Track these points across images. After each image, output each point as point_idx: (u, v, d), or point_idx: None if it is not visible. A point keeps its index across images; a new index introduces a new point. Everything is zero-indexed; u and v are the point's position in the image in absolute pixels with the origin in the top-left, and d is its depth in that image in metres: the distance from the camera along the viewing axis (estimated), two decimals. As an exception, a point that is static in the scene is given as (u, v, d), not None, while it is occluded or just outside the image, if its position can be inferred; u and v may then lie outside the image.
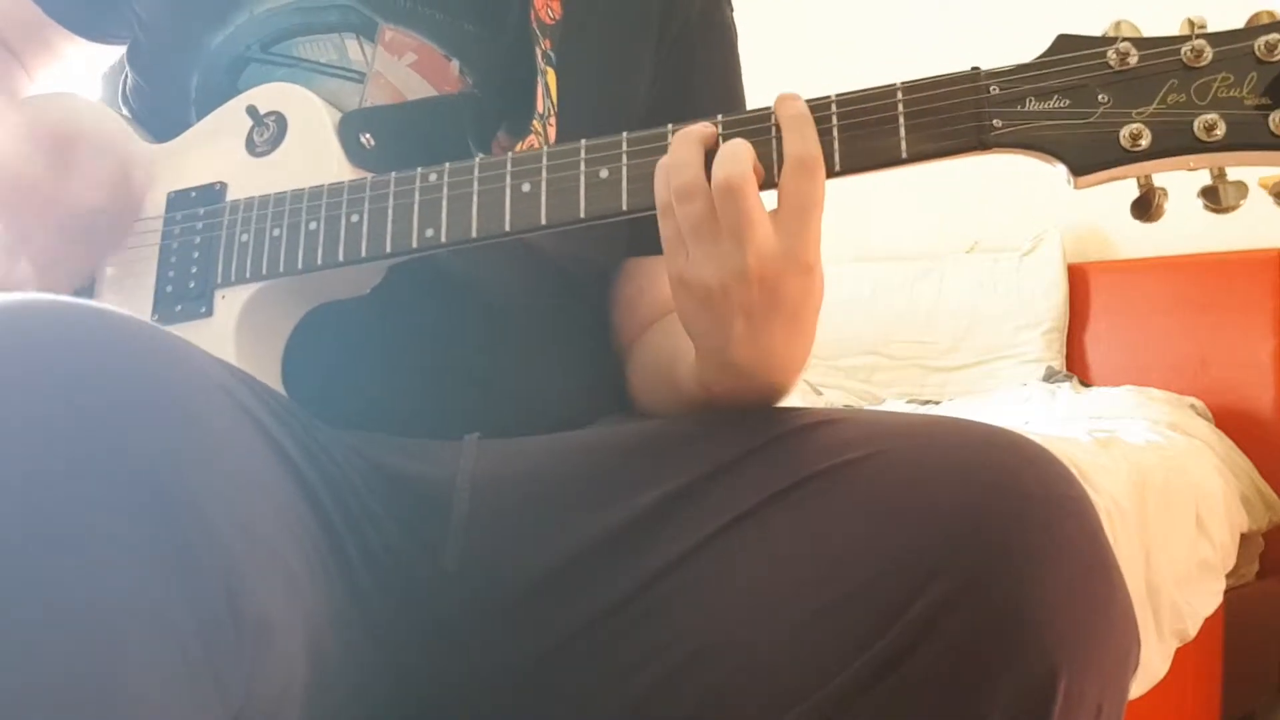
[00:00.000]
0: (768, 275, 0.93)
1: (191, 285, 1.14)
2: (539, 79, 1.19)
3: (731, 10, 1.37)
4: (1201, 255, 3.38)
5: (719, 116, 0.99)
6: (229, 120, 1.20)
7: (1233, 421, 3.16)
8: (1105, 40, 0.90)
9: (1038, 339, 3.47)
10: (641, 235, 1.24)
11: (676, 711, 0.92)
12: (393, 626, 1.01)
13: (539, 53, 1.20)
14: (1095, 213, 3.56)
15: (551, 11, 1.23)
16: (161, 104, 1.29)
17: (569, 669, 0.98)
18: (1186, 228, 3.26)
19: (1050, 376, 3.32)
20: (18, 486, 0.68)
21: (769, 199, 0.95)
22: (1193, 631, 2.50)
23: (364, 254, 1.08)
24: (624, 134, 1.01)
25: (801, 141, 0.94)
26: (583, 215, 1.01)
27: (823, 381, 3.62)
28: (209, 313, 1.13)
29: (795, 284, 0.94)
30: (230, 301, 1.13)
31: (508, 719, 1.01)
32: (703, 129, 0.97)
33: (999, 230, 3.70)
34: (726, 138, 0.96)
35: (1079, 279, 3.55)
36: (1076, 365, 3.48)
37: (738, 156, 0.93)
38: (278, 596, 0.79)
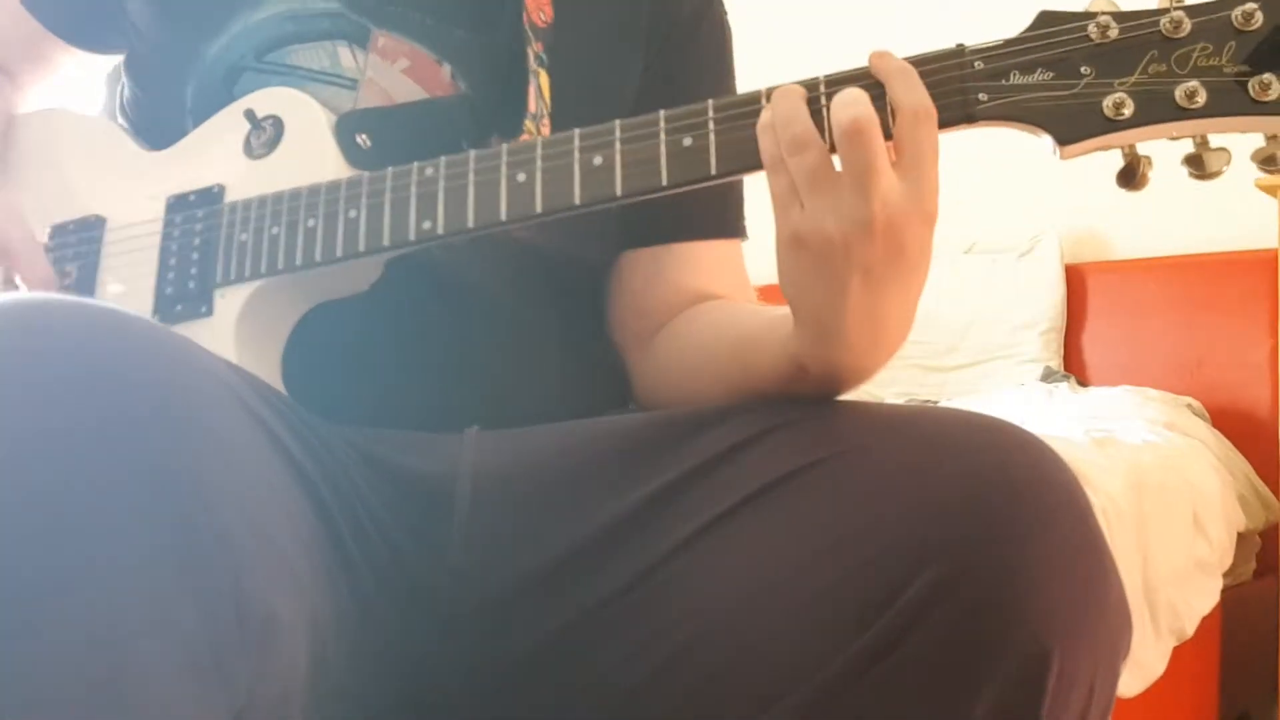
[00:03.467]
0: (893, 224, 0.90)
1: (191, 285, 1.15)
2: (531, 80, 1.20)
3: (723, 10, 1.37)
4: (1198, 256, 3.37)
5: (820, 77, 0.97)
6: (226, 125, 1.20)
7: (1230, 421, 3.15)
8: (1086, 15, 0.91)
9: (1035, 339, 3.46)
10: (637, 227, 1.25)
11: (674, 698, 0.93)
12: (394, 622, 1.01)
13: (531, 55, 1.21)
14: (1092, 213, 3.56)
15: (543, 14, 1.23)
16: (158, 113, 1.29)
17: (569, 660, 0.99)
18: (1183, 229, 3.27)
19: (1048, 377, 3.31)
20: (26, 485, 0.69)
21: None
22: (1190, 630, 2.51)
23: (362, 249, 1.08)
24: (616, 121, 1.02)
25: (911, 91, 0.92)
26: (578, 202, 1.02)
27: (822, 381, 3.59)
28: (209, 312, 1.14)
29: (918, 234, 0.92)
30: (230, 301, 1.13)
31: (509, 711, 1.02)
32: (799, 86, 0.96)
33: (996, 231, 3.68)
34: (829, 94, 0.94)
35: (1076, 279, 3.54)
36: (1074, 365, 3.47)
37: (859, 99, 0.91)
38: (283, 595, 0.80)
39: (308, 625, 0.85)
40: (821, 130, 0.93)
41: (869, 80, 0.95)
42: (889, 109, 0.93)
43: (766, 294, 1.22)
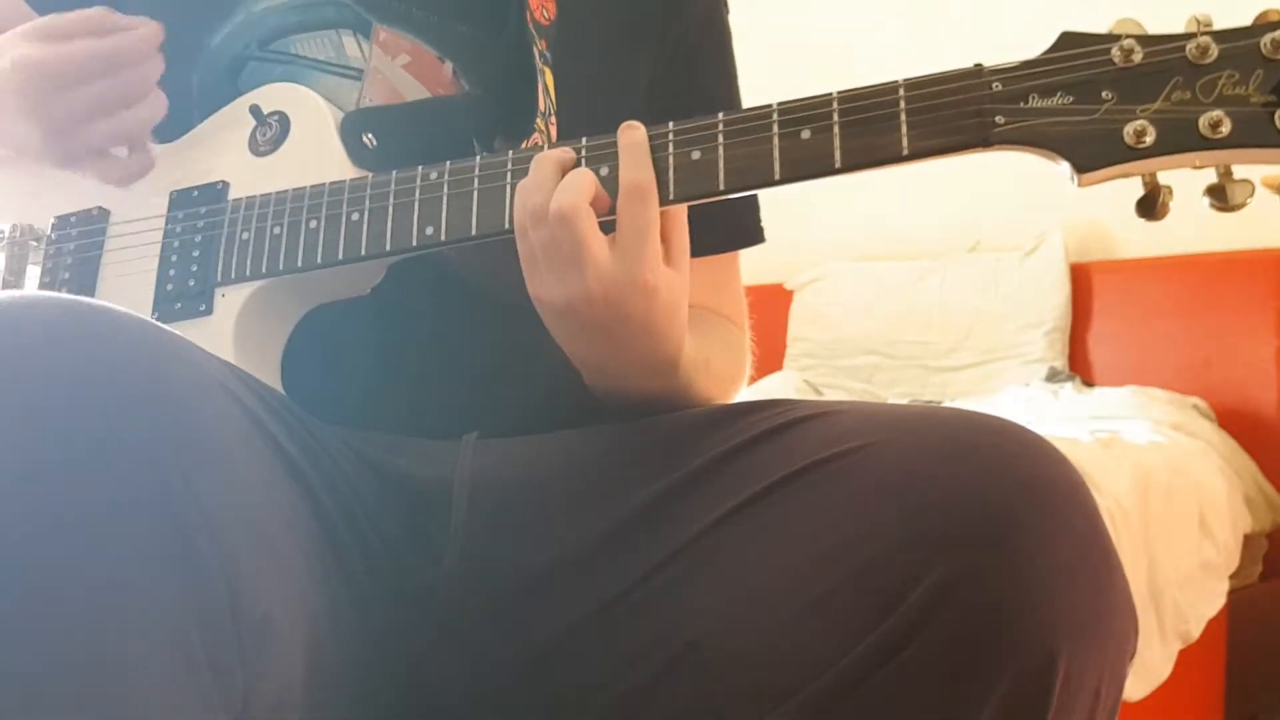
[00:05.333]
0: (609, 295, 0.97)
1: (191, 283, 1.14)
2: (539, 78, 1.19)
3: (728, 13, 1.37)
4: (1205, 255, 3.37)
5: (583, 140, 1.02)
6: (232, 120, 1.20)
7: (1236, 422, 3.15)
8: (1109, 37, 0.89)
9: (1040, 339, 3.46)
10: None
11: (676, 702, 0.93)
12: (391, 626, 1.01)
13: (536, 53, 1.20)
14: (1098, 212, 3.56)
15: (547, 12, 1.23)
16: None
17: (568, 665, 0.99)
18: (1190, 228, 3.26)
19: (1053, 377, 3.31)
20: (19, 485, 0.68)
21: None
22: (1196, 633, 2.50)
23: (364, 252, 1.08)
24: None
25: (634, 168, 0.98)
26: None
27: (824, 381, 3.61)
28: (208, 311, 1.13)
29: (638, 303, 0.98)
30: (230, 300, 1.12)
31: (506, 715, 1.01)
32: (561, 153, 1.01)
33: (1001, 229, 3.69)
34: (586, 161, 1.00)
35: (1081, 278, 3.54)
36: (1079, 365, 3.47)
37: (575, 186, 0.97)
38: (279, 596, 0.80)
39: (304, 627, 0.85)
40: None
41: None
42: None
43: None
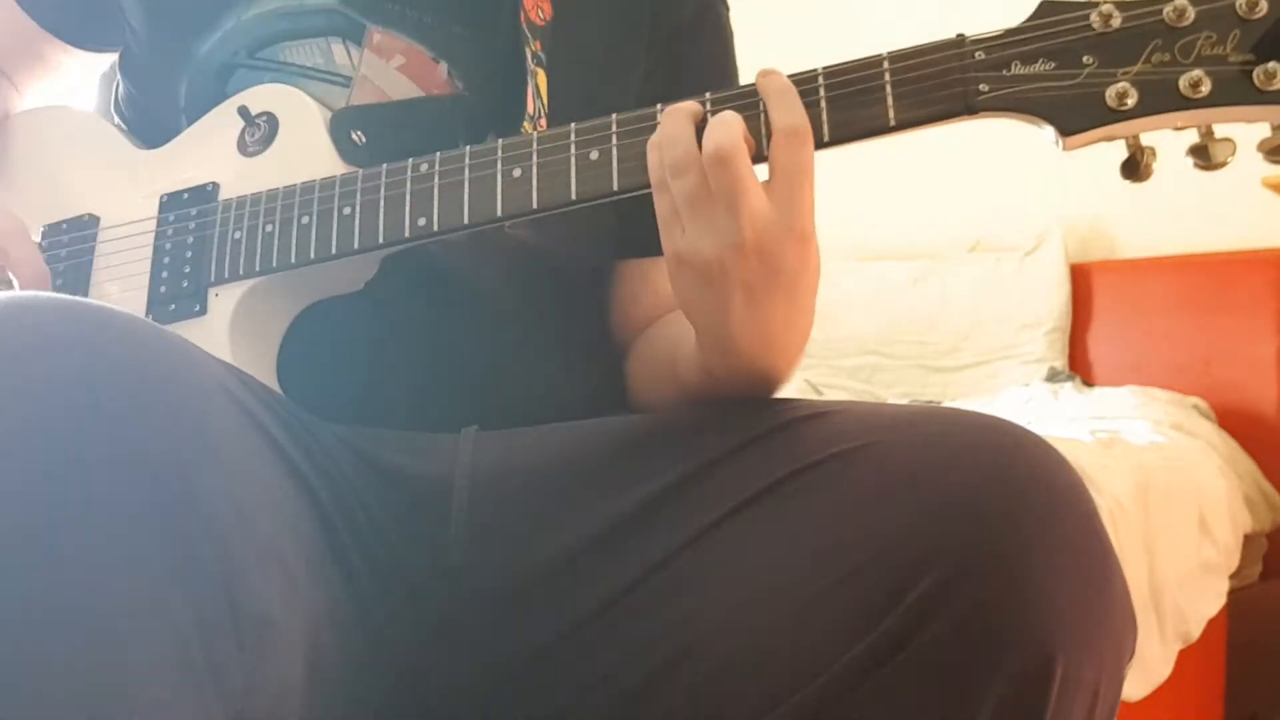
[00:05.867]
0: (764, 244, 0.93)
1: (185, 284, 1.15)
2: (529, 80, 1.20)
3: (727, 10, 1.37)
4: (1205, 255, 3.37)
5: (706, 95, 0.99)
6: (220, 122, 1.20)
7: (1236, 422, 3.15)
8: (1088, 4, 0.90)
9: (1040, 339, 3.46)
10: (631, 236, 1.26)
11: (675, 701, 0.92)
12: (391, 623, 1.01)
13: (529, 54, 1.20)
14: (1098, 212, 3.56)
15: (542, 13, 1.23)
16: (153, 111, 1.29)
17: (568, 662, 0.98)
18: (1189, 227, 3.26)
19: (1053, 377, 3.31)
20: (19, 484, 0.68)
21: (761, 172, 0.95)
22: (1196, 633, 2.49)
23: (357, 246, 1.08)
24: (614, 115, 1.01)
25: (787, 112, 0.95)
26: (574, 197, 1.01)
27: (824, 381, 3.60)
28: (203, 311, 1.13)
29: (792, 253, 0.94)
30: (224, 299, 1.13)
31: (506, 713, 1.01)
32: (691, 105, 0.98)
33: (1001, 229, 3.69)
34: (714, 114, 0.96)
35: (1081, 278, 3.54)
36: (1079, 365, 3.47)
37: (728, 126, 0.93)
38: (277, 595, 0.80)
39: (303, 624, 0.85)
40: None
41: (758, 98, 0.98)
42: (763, 129, 0.96)
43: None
